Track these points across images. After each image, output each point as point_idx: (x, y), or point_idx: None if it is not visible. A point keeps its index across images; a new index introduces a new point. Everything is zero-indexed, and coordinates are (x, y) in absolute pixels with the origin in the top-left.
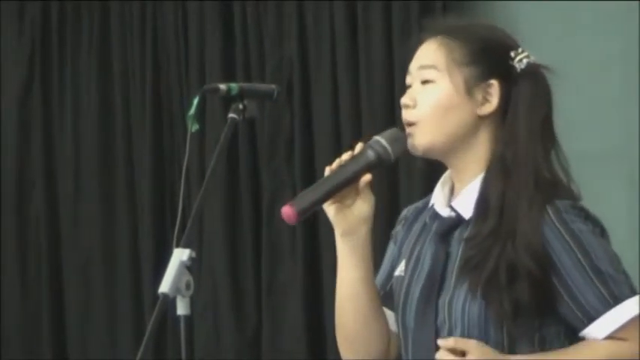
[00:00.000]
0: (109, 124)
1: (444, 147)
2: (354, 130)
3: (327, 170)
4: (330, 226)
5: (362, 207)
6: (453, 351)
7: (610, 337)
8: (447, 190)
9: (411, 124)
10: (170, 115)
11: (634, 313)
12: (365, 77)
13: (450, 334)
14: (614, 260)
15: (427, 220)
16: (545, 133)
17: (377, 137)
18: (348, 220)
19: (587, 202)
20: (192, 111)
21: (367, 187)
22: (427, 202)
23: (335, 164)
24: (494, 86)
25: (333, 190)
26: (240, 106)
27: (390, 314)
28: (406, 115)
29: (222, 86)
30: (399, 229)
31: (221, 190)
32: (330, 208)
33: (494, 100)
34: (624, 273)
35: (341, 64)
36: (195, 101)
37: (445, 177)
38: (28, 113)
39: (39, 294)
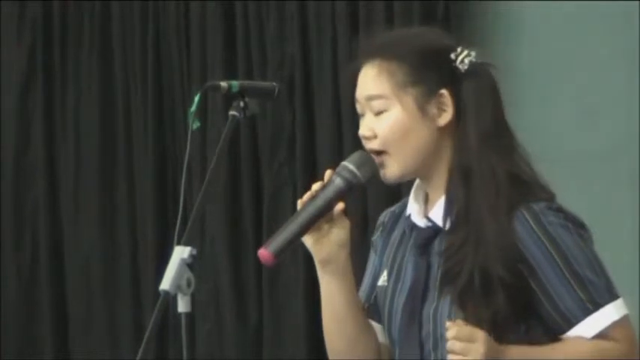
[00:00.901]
0: (110, 123)
1: (415, 169)
2: (356, 129)
3: (300, 203)
4: None
5: (338, 234)
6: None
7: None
8: (421, 199)
9: (378, 153)
10: (172, 113)
11: (613, 318)
12: None
13: (436, 345)
14: (595, 264)
15: (405, 229)
16: (499, 132)
17: (344, 163)
18: (326, 249)
19: (589, 202)
20: (193, 108)
21: (341, 214)
22: (403, 207)
23: (306, 196)
24: (445, 95)
25: (307, 226)
26: (241, 104)
27: (377, 327)
28: (369, 145)
29: (223, 84)
30: (377, 236)
31: (222, 187)
32: (307, 238)
33: (449, 109)
34: (605, 276)
35: (342, 62)
36: (197, 99)
37: (417, 186)
38: (29, 113)
39: (39, 292)
